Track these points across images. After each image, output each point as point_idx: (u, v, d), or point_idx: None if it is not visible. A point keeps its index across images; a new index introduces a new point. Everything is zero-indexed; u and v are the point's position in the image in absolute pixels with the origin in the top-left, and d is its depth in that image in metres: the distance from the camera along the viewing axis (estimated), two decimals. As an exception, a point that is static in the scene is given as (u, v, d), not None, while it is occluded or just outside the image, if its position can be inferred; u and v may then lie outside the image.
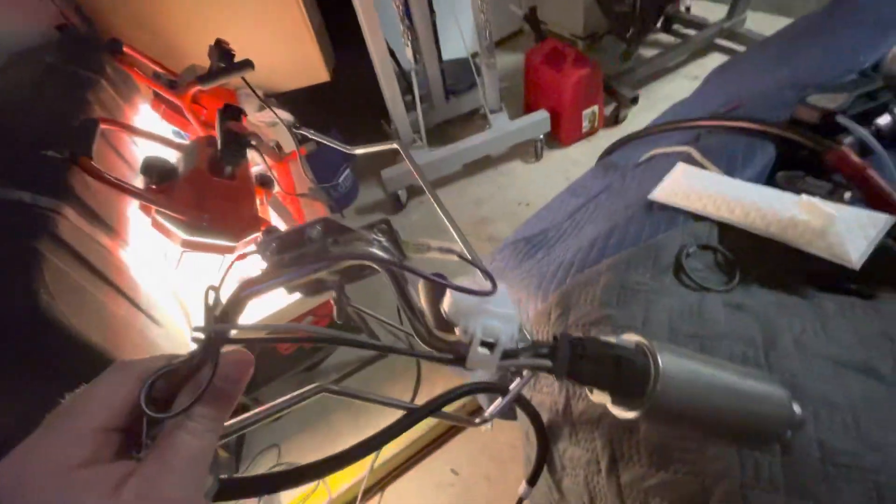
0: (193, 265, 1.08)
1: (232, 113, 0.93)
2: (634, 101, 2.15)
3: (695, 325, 0.52)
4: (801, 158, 0.66)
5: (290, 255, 0.29)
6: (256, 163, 1.33)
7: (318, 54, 1.79)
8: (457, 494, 1.41)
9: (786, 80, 0.82)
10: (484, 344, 0.29)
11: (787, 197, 0.58)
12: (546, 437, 0.58)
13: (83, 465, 0.22)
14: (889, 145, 0.63)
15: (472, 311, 0.29)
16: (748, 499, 0.39)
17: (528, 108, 2.20)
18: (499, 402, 0.51)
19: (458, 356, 0.29)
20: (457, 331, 0.30)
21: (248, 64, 1.09)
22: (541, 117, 2.03)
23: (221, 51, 1.16)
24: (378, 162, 2.27)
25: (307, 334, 0.29)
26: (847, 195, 0.58)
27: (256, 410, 0.41)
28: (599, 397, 0.31)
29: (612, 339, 0.30)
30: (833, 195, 0.59)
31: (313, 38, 1.74)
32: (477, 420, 0.52)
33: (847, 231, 0.52)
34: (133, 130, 1.04)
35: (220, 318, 0.27)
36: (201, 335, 0.26)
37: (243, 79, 1.21)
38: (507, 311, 0.30)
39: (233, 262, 0.29)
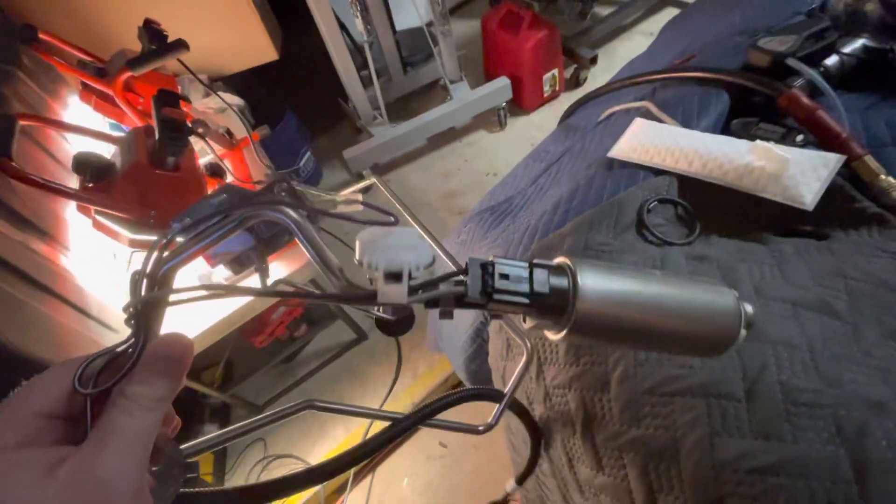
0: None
1: (167, 99, 0.86)
2: (594, 61, 2.13)
3: (659, 280, 0.52)
4: (755, 104, 0.66)
5: (202, 226, 0.29)
6: (207, 152, 1.26)
7: (263, 31, 1.68)
8: (447, 465, 1.44)
9: (737, 27, 0.81)
10: (392, 277, 0.28)
11: (742, 144, 0.57)
12: (539, 438, 0.56)
13: (18, 446, 0.22)
14: (837, 85, 0.64)
15: (374, 246, 0.28)
16: (716, 446, 0.40)
17: (489, 76, 2.16)
18: (498, 408, 0.49)
19: (368, 295, 0.29)
20: (365, 272, 0.29)
21: (181, 44, 1.01)
22: (502, 84, 1.99)
23: (152, 32, 1.07)
24: (340, 142, 2.21)
25: (237, 291, 0.28)
26: (799, 138, 0.58)
27: (241, 424, 0.41)
28: (530, 323, 0.30)
29: (525, 261, 0.29)
30: (786, 139, 0.59)
31: (255, 13, 1.63)
32: (481, 428, 0.50)
33: (800, 173, 0.52)
34: (60, 125, 0.96)
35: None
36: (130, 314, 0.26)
37: (181, 62, 1.12)
38: (413, 242, 0.29)
39: (157, 246, 0.28)
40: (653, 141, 0.64)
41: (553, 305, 0.28)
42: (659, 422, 0.44)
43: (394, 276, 0.27)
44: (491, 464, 1.41)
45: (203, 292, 0.28)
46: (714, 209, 0.59)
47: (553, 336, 0.29)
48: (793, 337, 0.43)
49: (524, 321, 0.31)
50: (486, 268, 0.28)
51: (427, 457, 1.46)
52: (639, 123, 0.68)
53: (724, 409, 0.41)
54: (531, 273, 0.28)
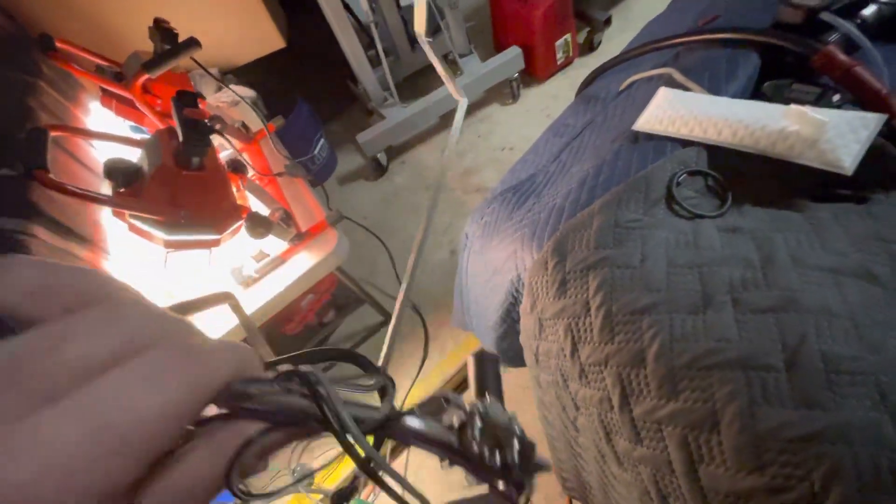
0: (183, 261, 1.06)
1: (187, 99, 0.87)
2: (608, 23, 2.04)
3: (691, 254, 0.52)
4: (787, 64, 0.63)
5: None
6: (225, 148, 1.27)
7: (269, 20, 1.67)
8: (479, 439, 1.48)
9: (765, -20, 0.77)
10: None
11: (775, 109, 0.56)
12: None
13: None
14: (876, 37, 0.60)
15: None
16: (756, 416, 0.41)
17: (499, 47, 2.10)
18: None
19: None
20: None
21: (194, 42, 1.01)
22: (513, 55, 1.93)
23: (163, 32, 1.08)
24: (352, 126, 2.20)
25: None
26: (836, 98, 0.56)
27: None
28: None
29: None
30: (822, 100, 0.57)
31: (260, 2, 1.62)
32: None
33: (838, 137, 0.50)
34: (87, 133, 0.98)
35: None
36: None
37: (193, 59, 1.13)
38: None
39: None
40: (679, 111, 0.63)
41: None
42: (697, 395, 0.44)
43: None
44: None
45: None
46: (747, 178, 0.58)
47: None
48: (833, 305, 0.43)
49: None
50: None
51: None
52: (663, 93, 0.67)
53: (764, 380, 0.41)
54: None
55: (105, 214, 0.87)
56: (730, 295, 0.47)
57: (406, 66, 2.15)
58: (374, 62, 1.92)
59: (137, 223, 0.86)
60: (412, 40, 2.12)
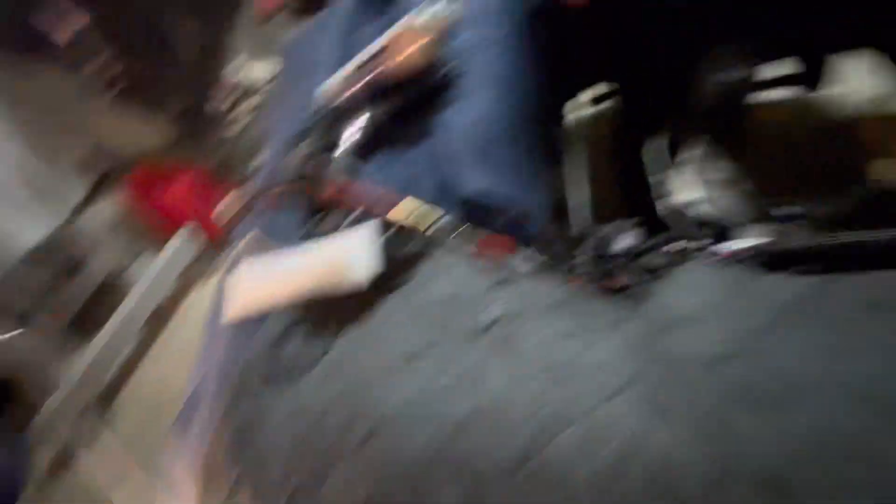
0: None
1: None
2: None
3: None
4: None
5: None
6: None
7: None
8: None
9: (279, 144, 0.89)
10: None
11: (310, 248, 0.63)
12: None
13: None
14: (368, 154, 0.76)
15: None
16: None
17: (167, 235, 1.99)
18: None
19: None
20: None
21: None
22: (183, 237, 1.86)
23: None
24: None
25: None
26: (348, 219, 0.67)
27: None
28: None
29: None
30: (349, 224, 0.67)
31: None
32: None
33: (352, 256, 0.59)
34: None
35: None
36: None
37: None
38: None
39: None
40: (257, 283, 0.65)
41: None
42: None
43: None
44: None
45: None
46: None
47: None
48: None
49: None
50: None
51: None
52: (243, 270, 0.69)
53: None
54: None
55: None
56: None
57: (72, 301, 1.82)
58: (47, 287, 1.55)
59: None
60: (65, 276, 1.81)
